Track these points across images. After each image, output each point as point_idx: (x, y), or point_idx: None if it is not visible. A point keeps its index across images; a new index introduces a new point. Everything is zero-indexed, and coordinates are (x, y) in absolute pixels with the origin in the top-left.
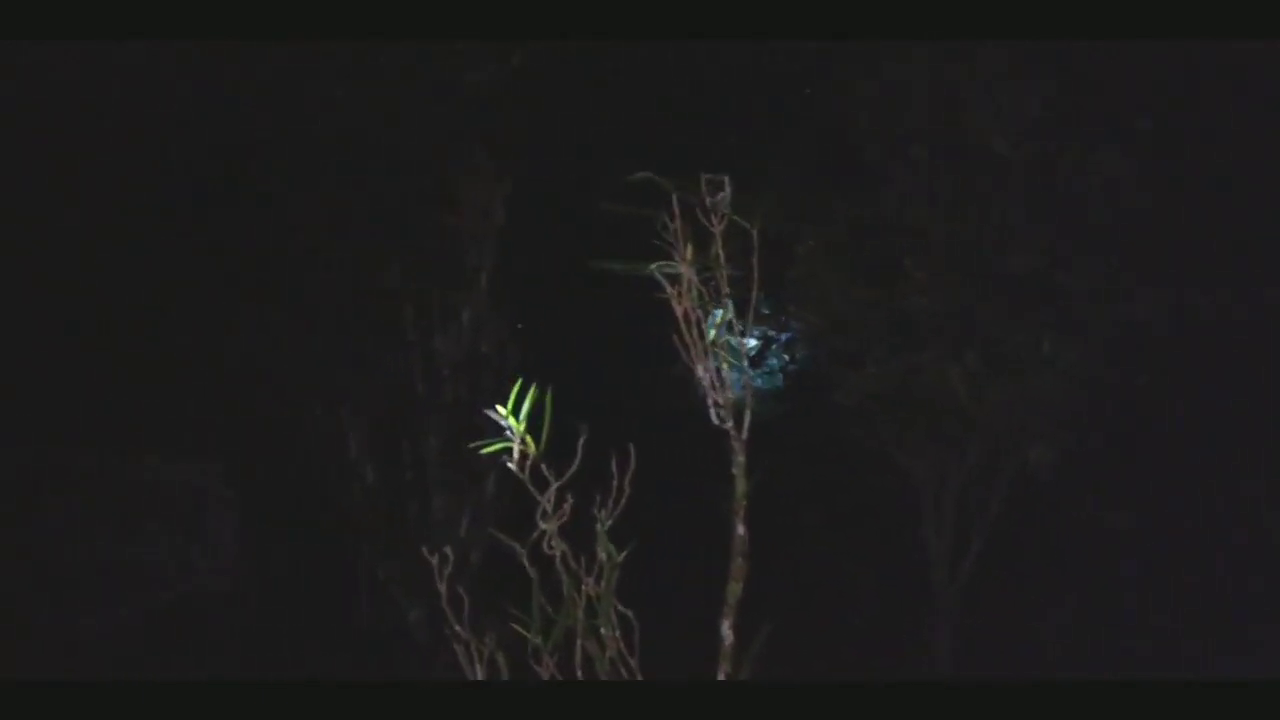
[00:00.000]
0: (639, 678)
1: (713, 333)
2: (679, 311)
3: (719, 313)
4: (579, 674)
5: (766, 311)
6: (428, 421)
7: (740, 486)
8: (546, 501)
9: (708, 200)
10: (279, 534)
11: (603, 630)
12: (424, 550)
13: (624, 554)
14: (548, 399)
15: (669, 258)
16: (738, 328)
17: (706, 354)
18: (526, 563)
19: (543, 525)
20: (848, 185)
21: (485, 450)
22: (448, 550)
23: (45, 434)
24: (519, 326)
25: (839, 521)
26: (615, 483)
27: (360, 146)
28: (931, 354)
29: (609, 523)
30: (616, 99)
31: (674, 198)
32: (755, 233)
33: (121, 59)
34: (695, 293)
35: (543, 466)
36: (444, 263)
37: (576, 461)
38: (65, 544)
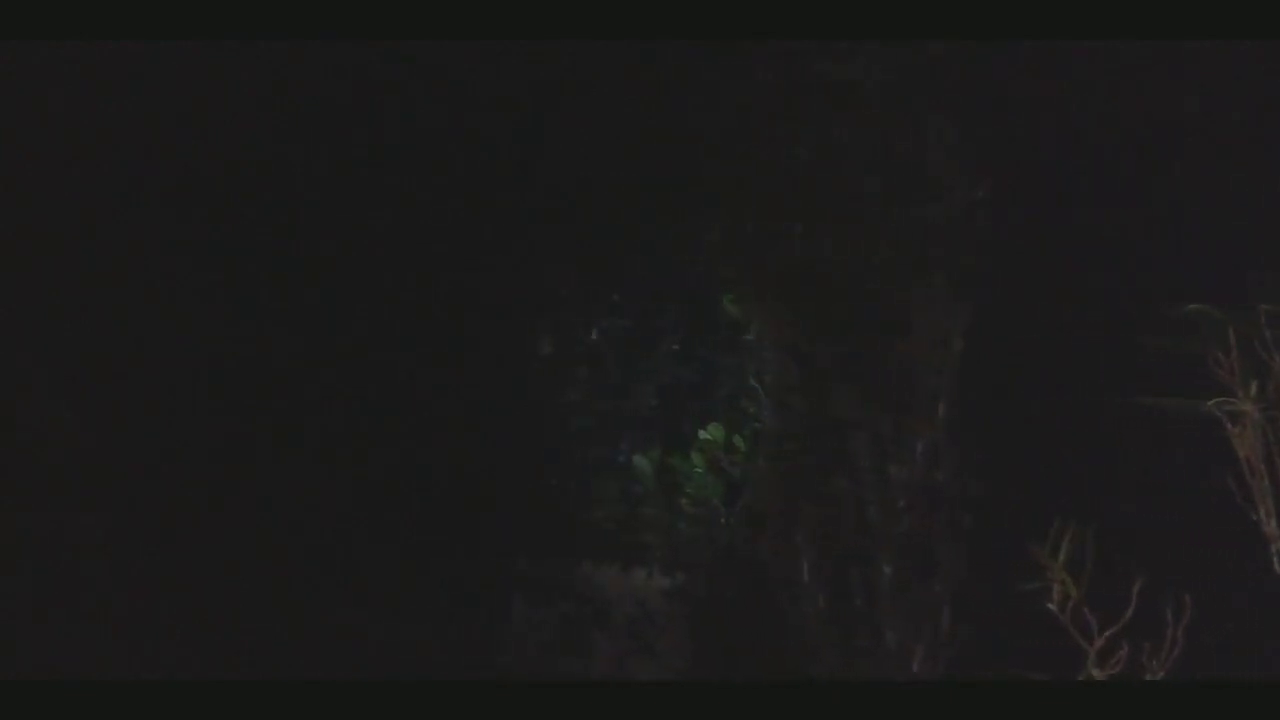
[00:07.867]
0: None
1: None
2: (1241, 453)
3: None
4: None
5: None
6: (880, 550)
7: None
8: (1094, 649)
9: (1266, 333)
10: (726, 650)
11: None
12: None
13: None
14: (1092, 541)
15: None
16: None
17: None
18: None
19: (1094, 673)
20: None
21: (1027, 590)
22: None
23: (498, 543)
24: (978, 457)
25: None
26: (1170, 631)
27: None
28: None
29: (1161, 674)
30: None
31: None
32: None
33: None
34: (1261, 432)
35: (1085, 610)
36: (899, 391)
37: (1131, 608)
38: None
